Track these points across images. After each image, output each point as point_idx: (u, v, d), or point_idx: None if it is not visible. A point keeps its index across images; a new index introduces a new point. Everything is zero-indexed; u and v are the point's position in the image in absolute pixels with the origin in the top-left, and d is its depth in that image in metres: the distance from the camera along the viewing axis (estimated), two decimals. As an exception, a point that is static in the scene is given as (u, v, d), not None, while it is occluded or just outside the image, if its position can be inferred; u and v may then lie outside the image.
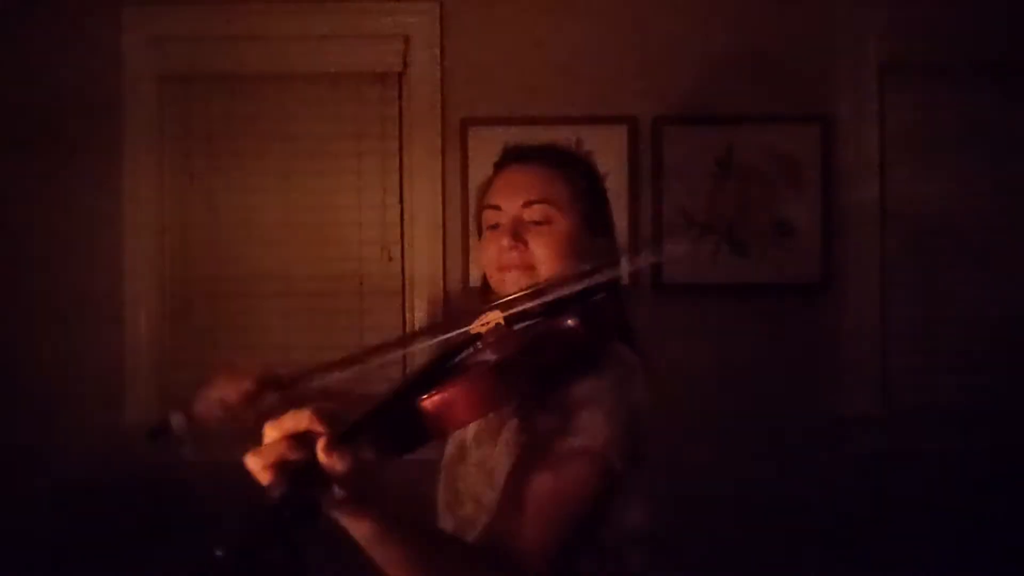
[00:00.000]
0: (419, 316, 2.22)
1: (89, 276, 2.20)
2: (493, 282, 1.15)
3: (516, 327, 1.03)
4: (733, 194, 2.19)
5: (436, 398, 0.85)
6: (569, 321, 0.98)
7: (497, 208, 1.13)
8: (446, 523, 1.17)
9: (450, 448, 1.20)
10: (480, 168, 2.18)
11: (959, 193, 2.23)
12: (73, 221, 2.19)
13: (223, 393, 1.18)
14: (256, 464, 0.72)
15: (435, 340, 1.10)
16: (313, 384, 1.21)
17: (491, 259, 1.14)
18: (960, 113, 2.23)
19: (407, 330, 2.24)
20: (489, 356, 0.98)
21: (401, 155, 2.24)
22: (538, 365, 0.93)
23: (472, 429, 1.16)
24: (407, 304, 2.25)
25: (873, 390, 2.20)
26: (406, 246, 2.25)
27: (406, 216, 2.25)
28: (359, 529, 0.78)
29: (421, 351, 1.20)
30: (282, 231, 2.24)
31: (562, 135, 2.15)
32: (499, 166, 1.20)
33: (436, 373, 0.95)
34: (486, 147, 2.18)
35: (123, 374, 2.21)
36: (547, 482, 0.95)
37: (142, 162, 2.21)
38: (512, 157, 1.19)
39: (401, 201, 2.25)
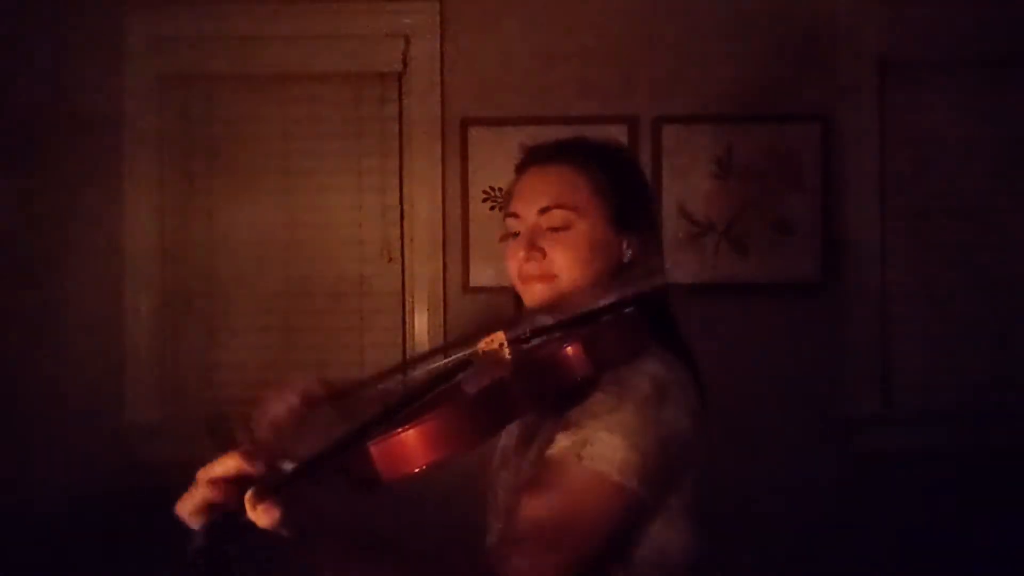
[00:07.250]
0: (419, 317, 2.22)
1: (89, 276, 2.20)
2: (519, 291, 1.11)
3: (514, 350, 0.96)
4: (733, 194, 2.19)
5: (387, 441, 0.77)
6: (568, 348, 0.89)
7: (516, 216, 1.10)
8: (489, 530, 1.13)
9: (497, 453, 1.15)
10: (480, 168, 2.19)
11: (959, 192, 2.23)
12: (73, 221, 2.19)
13: (273, 414, 1.14)
14: (183, 509, 0.71)
15: (457, 357, 1.01)
16: (363, 394, 1.16)
17: (512, 269, 1.10)
18: (960, 112, 2.23)
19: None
20: (468, 388, 0.90)
21: (401, 155, 2.24)
22: (523, 398, 0.85)
23: (514, 435, 1.11)
24: (407, 305, 2.25)
25: (873, 390, 2.20)
26: (406, 247, 2.25)
27: (406, 216, 2.25)
28: (311, 557, 0.75)
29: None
30: (282, 231, 2.25)
31: (562, 135, 2.14)
32: (519, 170, 1.15)
33: (404, 406, 0.87)
34: (486, 147, 2.18)
35: (123, 375, 2.21)
36: (548, 507, 0.88)
37: (142, 161, 2.21)
38: (530, 159, 1.14)
39: (401, 201, 2.25)
